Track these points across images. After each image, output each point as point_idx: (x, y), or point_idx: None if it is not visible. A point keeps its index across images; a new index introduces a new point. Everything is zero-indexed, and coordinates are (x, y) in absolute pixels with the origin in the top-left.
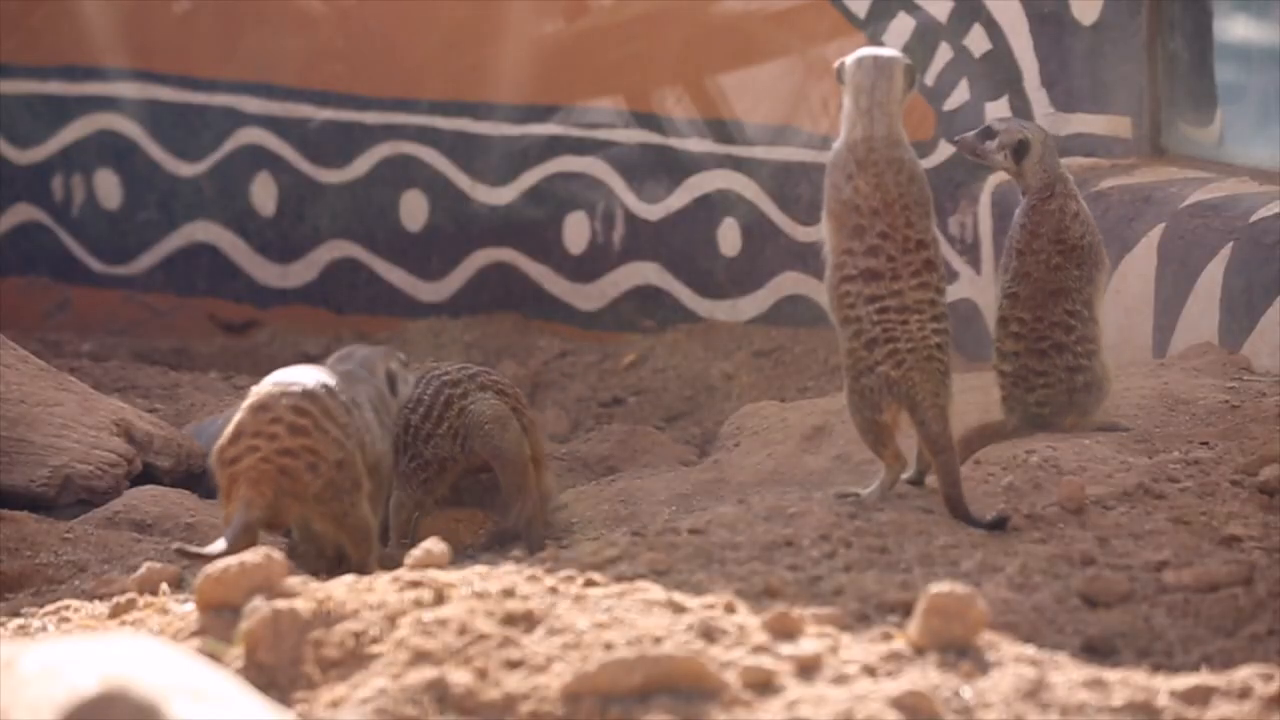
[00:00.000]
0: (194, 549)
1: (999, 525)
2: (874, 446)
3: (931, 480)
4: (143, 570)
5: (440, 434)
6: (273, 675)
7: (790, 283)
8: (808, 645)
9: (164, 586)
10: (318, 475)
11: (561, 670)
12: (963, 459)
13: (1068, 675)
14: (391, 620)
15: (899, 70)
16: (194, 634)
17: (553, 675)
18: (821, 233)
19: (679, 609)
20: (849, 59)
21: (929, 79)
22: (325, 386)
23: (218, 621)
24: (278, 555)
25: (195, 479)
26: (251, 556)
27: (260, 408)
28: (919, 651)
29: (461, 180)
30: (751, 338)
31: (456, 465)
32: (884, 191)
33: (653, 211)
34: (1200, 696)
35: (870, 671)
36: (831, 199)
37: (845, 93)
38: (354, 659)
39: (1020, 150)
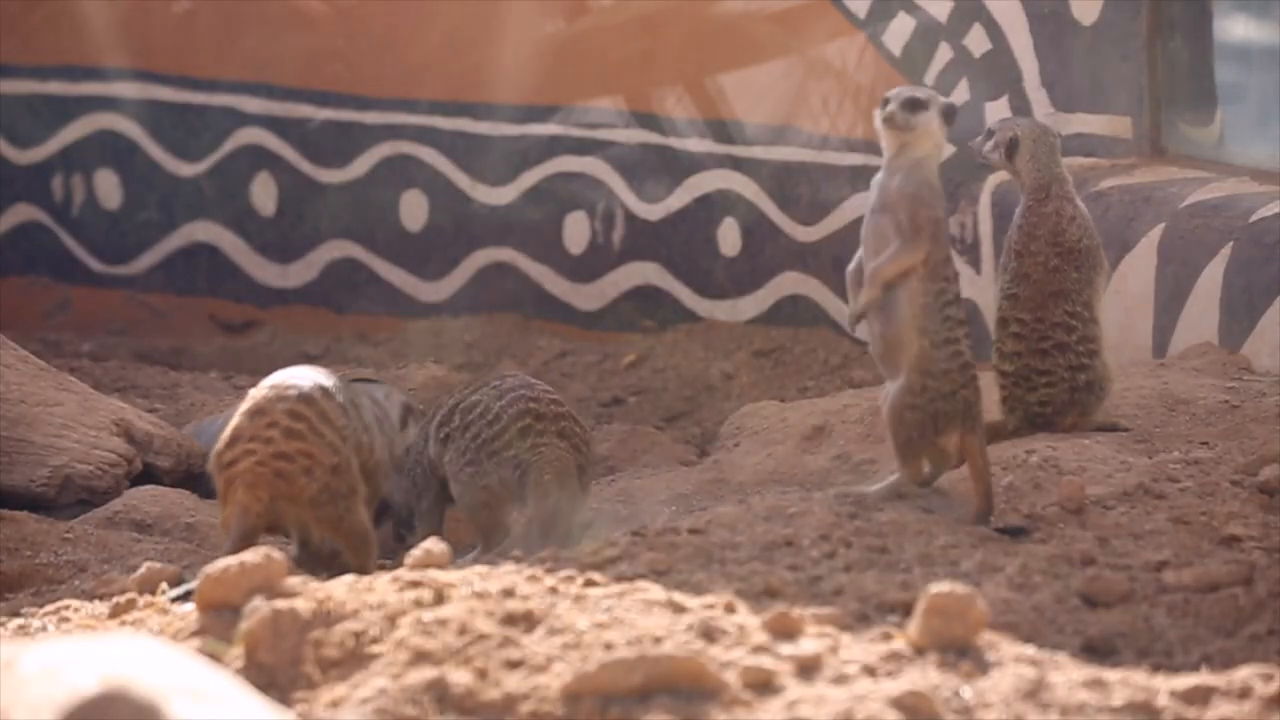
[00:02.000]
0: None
1: (1018, 533)
2: (911, 457)
3: (938, 484)
4: (143, 570)
5: (505, 456)
6: (273, 675)
7: (790, 283)
8: (808, 645)
9: (164, 586)
10: (313, 479)
11: (561, 670)
12: None
13: (1068, 675)
14: (391, 620)
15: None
16: (194, 634)
17: (553, 675)
18: (890, 258)
19: (679, 609)
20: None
21: (929, 79)
22: (322, 389)
23: (218, 621)
24: (278, 555)
25: (195, 479)
26: (251, 556)
27: (256, 412)
28: (919, 651)
29: (461, 180)
30: (751, 338)
31: (507, 497)
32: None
33: (653, 211)
34: (1200, 696)
35: (870, 671)
36: (926, 222)
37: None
38: (354, 659)
39: (1011, 147)
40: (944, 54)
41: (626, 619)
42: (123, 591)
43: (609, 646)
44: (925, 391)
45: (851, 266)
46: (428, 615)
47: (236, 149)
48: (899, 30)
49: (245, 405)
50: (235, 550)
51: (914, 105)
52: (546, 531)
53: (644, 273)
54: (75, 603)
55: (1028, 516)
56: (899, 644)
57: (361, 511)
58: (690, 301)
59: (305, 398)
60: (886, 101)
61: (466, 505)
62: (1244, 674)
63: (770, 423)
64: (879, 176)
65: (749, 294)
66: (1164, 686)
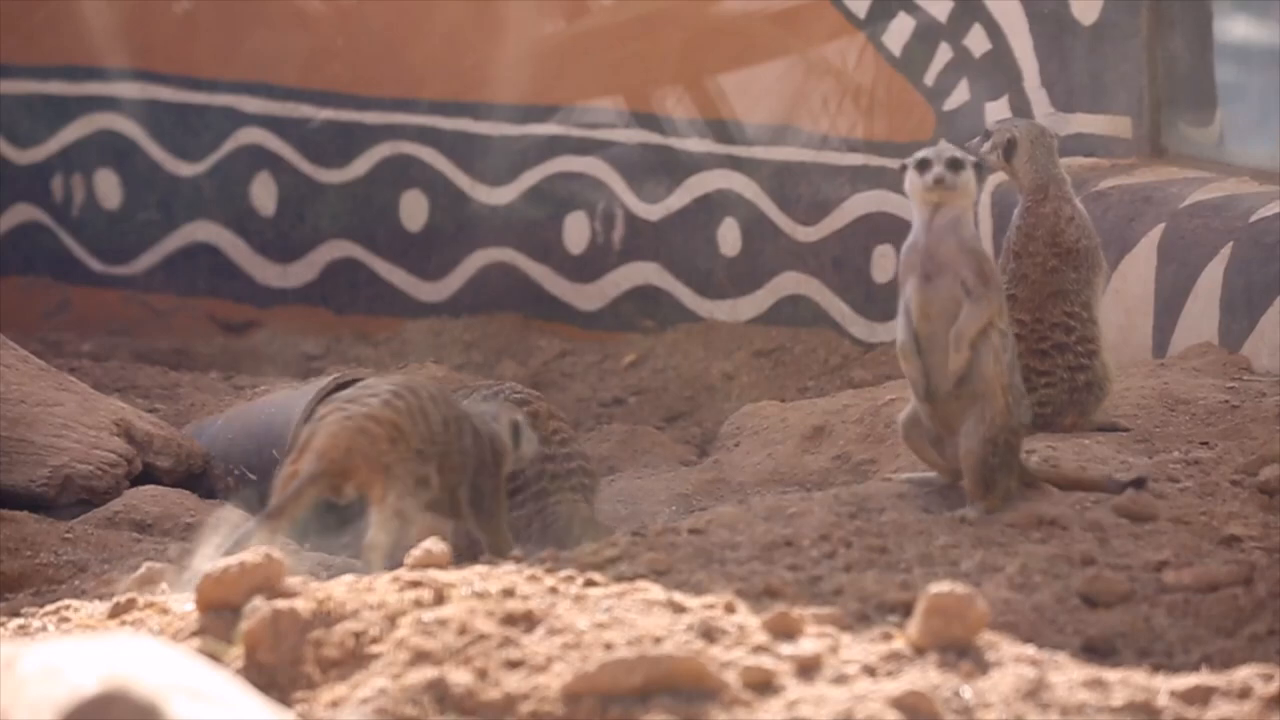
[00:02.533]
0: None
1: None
2: (987, 495)
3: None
4: (143, 570)
5: (521, 513)
6: (273, 675)
7: (790, 283)
8: (808, 645)
9: (164, 586)
10: (395, 448)
11: (561, 670)
12: None
13: (1068, 675)
14: (391, 620)
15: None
16: (194, 634)
17: (553, 675)
18: (969, 317)
19: (679, 609)
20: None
21: (929, 79)
22: (430, 394)
23: (218, 621)
24: (277, 555)
25: (195, 479)
26: (251, 556)
27: (364, 386)
28: (919, 651)
29: (461, 180)
30: (751, 338)
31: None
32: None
33: (653, 211)
34: (1200, 696)
35: (870, 671)
36: (991, 274)
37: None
38: (354, 659)
39: (1009, 148)
40: (944, 54)
41: (626, 619)
42: (123, 591)
43: (609, 646)
44: (1006, 443)
45: (903, 339)
46: (428, 615)
47: (236, 149)
48: (899, 30)
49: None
50: (291, 498)
51: (957, 165)
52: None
53: (644, 273)
54: (75, 603)
55: (1028, 516)
56: (899, 644)
57: (419, 507)
58: (690, 301)
59: (411, 389)
60: (925, 163)
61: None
62: (1244, 674)
63: (770, 423)
64: (917, 241)
65: (749, 294)
66: (1164, 686)
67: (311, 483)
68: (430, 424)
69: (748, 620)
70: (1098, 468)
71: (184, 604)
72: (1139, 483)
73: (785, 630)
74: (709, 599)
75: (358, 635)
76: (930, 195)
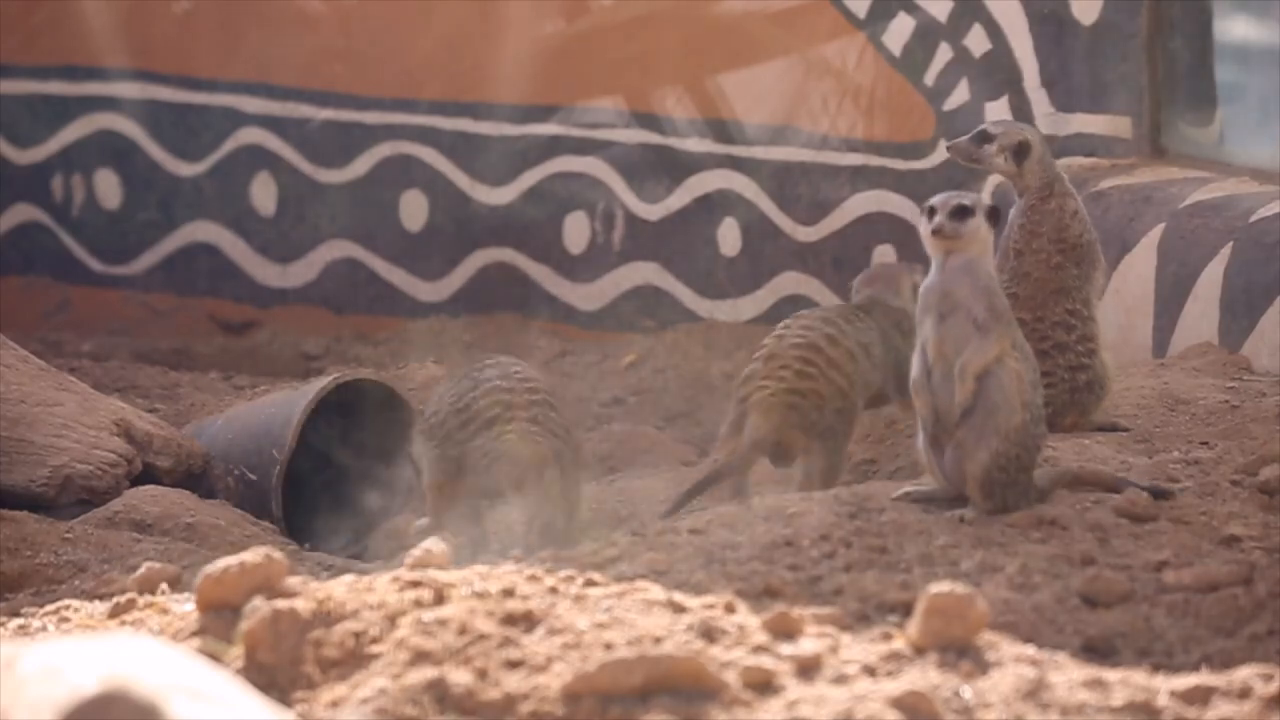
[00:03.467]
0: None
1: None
2: (993, 506)
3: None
4: (143, 570)
5: (473, 445)
6: (273, 675)
7: (790, 283)
8: (808, 645)
9: (164, 586)
10: (823, 416)
11: (561, 670)
12: None
13: (1068, 675)
14: (391, 620)
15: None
16: (194, 634)
17: (553, 675)
18: (976, 350)
19: (679, 609)
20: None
21: (929, 79)
22: (830, 338)
23: (218, 621)
24: (278, 555)
25: (195, 479)
26: (251, 557)
27: (770, 357)
28: (919, 651)
29: (461, 180)
30: (751, 338)
31: (465, 478)
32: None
33: (653, 211)
34: (1200, 696)
35: (870, 671)
36: (1004, 310)
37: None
38: (354, 659)
39: (1021, 152)
40: (944, 54)
41: (626, 619)
42: (123, 591)
43: (609, 646)
44: (1018, 460)
45: (916, 375)
46: (428, 615)
47: (236, 149)
48: (899, 30)
49: (760, 353)
50: (736, 459)
51: (962, 213)
52: (543, 525)
53: (644, 273)
54: (75, 603)
55: (1028, 516)
56: (899, 644)
57: (843, 452)
58: (690, 301)
59: (813, 346)
60: (933, 210)
61: (428, 481)
62: (1244, 674)
63: None
64: (933, 283)
65: (749, 294)
66: (1164, 686)
67: (754, 449)
68: (843, 372)
69: (748, 620)
70: (1099, 468)
71: (184, 604)
72: (1161, 493)
73: (785, 630)
74: (709, 599)
75: (358, 635)
76: (937, 242)
